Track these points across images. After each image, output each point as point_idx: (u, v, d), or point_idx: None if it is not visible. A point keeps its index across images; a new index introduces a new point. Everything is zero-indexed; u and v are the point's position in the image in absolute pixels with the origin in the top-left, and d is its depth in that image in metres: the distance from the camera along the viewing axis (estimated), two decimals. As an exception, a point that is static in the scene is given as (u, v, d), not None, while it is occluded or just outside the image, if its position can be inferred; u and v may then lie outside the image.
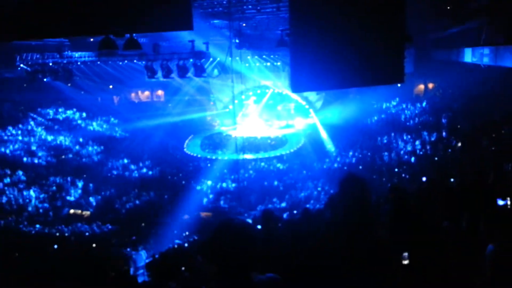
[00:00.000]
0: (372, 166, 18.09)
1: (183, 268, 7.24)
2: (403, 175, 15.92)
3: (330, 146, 23.65)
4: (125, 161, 22.99)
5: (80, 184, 20.08)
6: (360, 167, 18.38)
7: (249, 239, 2.01)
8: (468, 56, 16.36)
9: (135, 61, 22.51)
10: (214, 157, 24.25)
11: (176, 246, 12.84)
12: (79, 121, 26.97)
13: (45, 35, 10.74)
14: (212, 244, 2.03)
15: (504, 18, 13.00)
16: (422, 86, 25.51)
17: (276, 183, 20.06)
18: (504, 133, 15.30)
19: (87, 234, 15.18)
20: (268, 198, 18.33)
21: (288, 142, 26.19)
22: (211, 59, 22.34)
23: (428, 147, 17.58)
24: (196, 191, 20.06)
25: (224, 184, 20.35)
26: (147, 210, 18.02)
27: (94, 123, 27.38)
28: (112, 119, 28.19)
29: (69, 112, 27.26)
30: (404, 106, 23.59)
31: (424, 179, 10.59)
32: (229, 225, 2.06)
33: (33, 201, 18.07)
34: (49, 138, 24.19)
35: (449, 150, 16.37)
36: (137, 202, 18.81)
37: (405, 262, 3.53)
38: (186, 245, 13.32)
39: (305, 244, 4.81)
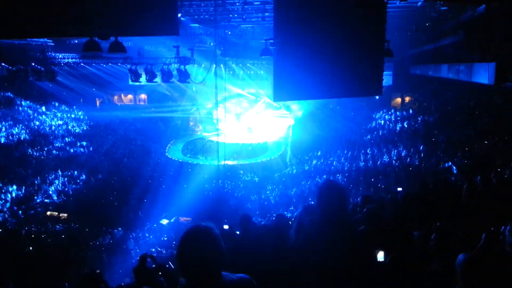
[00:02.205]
0: (350, 175, 18.39)
1: (159, 273, 7.29)
2: (379, 184, 16.22)
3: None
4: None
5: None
6: (339, 175, 18.65)
7: (211, 244, 2.05)
8: (445, 71, 16.86)
9: (119, 64, 22.41)
10: (195, 162, 24.26)
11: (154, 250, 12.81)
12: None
13: (29, 35, 10.66)
14: (178, 250, 2.09)
15: (479, 36, 13.43)
16: (399, 99, 26.15)
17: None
18: (477, 147, 15.80)
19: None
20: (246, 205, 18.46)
21: (269, 149, 26.43)
22: (195, 65, 22.43)
23: (403, 159, 17.97)
24: (176, 196, 19.98)
25: (204, 190, 20.33)
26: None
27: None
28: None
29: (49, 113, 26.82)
30: (380, 117, 24.10)
31: (399, 189, 10.79)
32: (193, 232, 2.10)
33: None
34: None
35: (424, 163, 16.77)
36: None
37: (380, 258, 3.61)
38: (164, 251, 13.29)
39: (278, 248, 4.93)
